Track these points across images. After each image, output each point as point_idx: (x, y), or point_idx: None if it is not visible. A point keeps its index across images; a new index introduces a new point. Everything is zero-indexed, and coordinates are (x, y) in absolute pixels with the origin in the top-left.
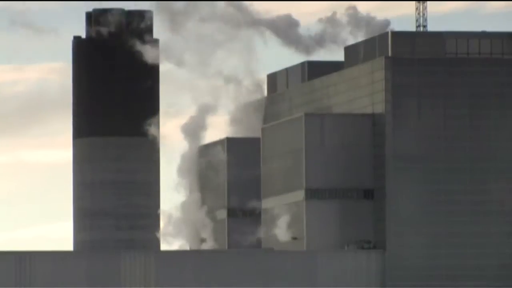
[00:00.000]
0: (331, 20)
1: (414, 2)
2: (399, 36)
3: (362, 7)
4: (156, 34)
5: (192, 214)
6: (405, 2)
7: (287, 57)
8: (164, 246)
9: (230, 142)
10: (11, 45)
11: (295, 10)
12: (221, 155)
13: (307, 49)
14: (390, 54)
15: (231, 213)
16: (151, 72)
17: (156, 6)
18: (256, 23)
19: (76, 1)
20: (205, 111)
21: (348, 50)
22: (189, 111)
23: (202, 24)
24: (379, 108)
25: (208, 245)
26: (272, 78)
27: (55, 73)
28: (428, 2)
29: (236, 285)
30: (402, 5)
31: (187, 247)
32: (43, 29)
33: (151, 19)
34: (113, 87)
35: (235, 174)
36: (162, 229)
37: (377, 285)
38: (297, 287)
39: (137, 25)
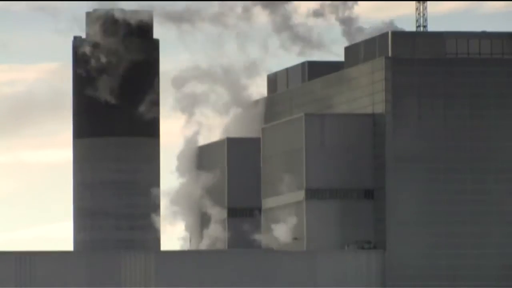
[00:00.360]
0: None
1: (414, 2)
2: (399, 36)
3: (362, 7)
4: (156, 34)
5: (191, 188)
6: (405, 2)
7: (287, 57)
8: (164, 240)
9: (230, 142)
10: (11, 45)
11: None
12: (221, 155)
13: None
14: (390, 54)
15: (231, 213)
16: (151, 72)
17: (156, 6)
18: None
19: (75, 1)
20: (205, 111)
21: (348, 50)
22: (190, 111)
23: (202, 24)
24: (379, 108)
25: (208, 231)
26: (272, 78)
27: (55, 73)
28: (428, 2)
29: (236, 285)
30: (402, 5)
31: (187, 225)
32: (43, 28)
33: (150, 19)
34: (113, 87)
35: (235, 174)
36: (162, 208)
37: (377, 285)
38: (297, 287)
39: (136, 25)
